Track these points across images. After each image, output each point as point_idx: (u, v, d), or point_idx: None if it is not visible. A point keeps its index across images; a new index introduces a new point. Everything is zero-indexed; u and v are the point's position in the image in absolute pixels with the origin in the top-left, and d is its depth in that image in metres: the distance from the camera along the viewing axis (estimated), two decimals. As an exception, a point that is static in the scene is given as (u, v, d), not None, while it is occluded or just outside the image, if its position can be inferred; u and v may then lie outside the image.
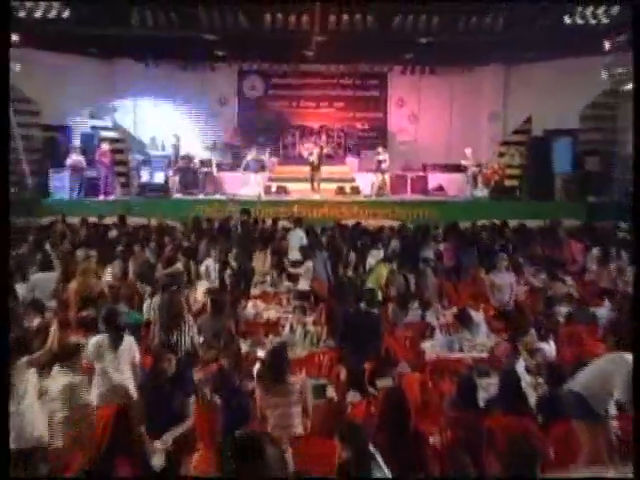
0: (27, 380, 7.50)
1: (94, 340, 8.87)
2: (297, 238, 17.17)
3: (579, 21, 20.93)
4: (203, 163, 26.58)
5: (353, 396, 8.51)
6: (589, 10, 20.57)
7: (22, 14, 20.59)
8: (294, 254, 16.56)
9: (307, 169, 26.22)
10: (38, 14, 20.50)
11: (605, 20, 20.90)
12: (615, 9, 20.49)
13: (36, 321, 10.40)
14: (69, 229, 19.44)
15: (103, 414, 8.10)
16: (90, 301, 11.81)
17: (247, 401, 8.09)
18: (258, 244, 17.03)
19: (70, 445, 7.62)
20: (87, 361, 8.73)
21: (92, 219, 20.78)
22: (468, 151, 26.06)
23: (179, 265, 14.55)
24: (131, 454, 7.04)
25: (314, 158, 25.82)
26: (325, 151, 27.16)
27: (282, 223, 20.23)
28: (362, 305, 11.25)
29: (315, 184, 25.89)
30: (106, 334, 8.86)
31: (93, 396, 8.40)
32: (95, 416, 8.05)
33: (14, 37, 22.47)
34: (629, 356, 7.59)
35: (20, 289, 12.95)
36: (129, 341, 8.90)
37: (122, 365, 8.61)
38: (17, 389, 7.40)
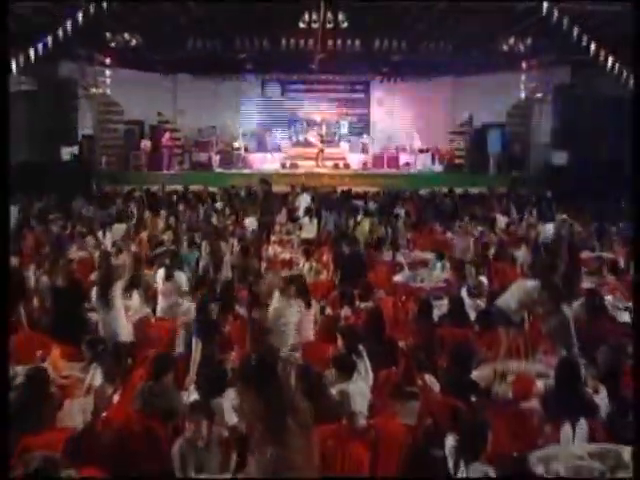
0: (116, 299, 7.63)
1: (158, 272, 9.02)
2: (303, 200, 17.18)
3: (505, 48, 21.09)
4: (236, 146, 26.52)
5: (345, 311, 8.53)
6: (512, 40, 20.68)
7: (113, 44, 20.87)
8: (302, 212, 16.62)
9: (312, 151, 26.40)
10: (122, 43, 20.81)
11: (522, 48, 21.12)
12: (529, 40, 20.67)
13: (119, 258, 10.49)
14: (143, 194, 19.46)
15: (166, 325, 8.25)
16: (157, 245, 11.95)
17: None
18: (276, 205, 17.08)
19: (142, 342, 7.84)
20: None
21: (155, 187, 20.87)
22: (416, 135, 26.46)
23: (214, 220, 14.62)
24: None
25: (320, 143, 26.28)
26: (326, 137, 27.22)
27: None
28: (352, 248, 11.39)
29: (319, 161, 25.94)
30: (164, 268, 8.98)
31: (158, 311, 8.62)
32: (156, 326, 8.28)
33: (107, 60, 22.69)
34: (528, 281, 8.05)
35: (108, 237, 13.10)
36: (179, 274, 9.00)
37: (174, 292, 8.73)
38: (112, 304, 7.54)
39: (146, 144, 25.29)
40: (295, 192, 18.96)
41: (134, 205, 16.99)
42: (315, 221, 15.08)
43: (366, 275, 10.50)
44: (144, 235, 12.79)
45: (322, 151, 26.11)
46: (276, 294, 7.84)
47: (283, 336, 7.42)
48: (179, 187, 20.82)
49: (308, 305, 7.83)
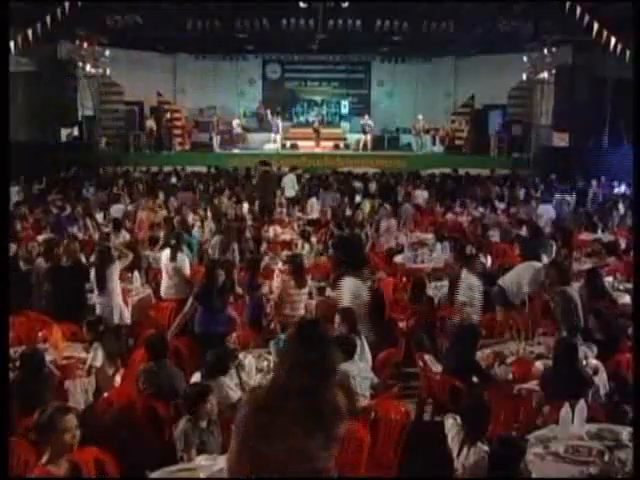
0: (114, 280, 7.67)
1: (159, 254, 9.02)
2: (289, 180, 17.15)
3: (506, 29, 21.13)
4: (237, 127, 26.42)
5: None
6: (513, 22, 20.77)
7: (109, 22, 20.86)
8: (289, 192, 16.55)
9: (312, 131, 26.20)
10: (121, 23, 20.85)
11: (524, 29, 21.20)
12: (531, 24, 20.80)
13: (118, 237, 10.48)
14: (140, 175, 19.46)
15: (167, 305, 8.28)
16: (156, 226, 11.95)
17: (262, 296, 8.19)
18: (276, 185, 17.04)
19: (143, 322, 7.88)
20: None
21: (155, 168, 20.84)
22: (420, 117, 25.89)
23: (224, 200, 14.58)
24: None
25: (317, 124, 26.09)
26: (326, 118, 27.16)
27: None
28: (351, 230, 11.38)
29: (318, 142, 25.85)
30: (168, 250, 8.97)
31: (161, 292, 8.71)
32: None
33: (105, 40, 22.55)
34: (536, 263, 8.06)
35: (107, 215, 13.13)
36: (182, 256, 8.98)
37: (178, 272, 8.73)
38: (107, 286, 7.57)
39: (152, 124, 25.19)
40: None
41: (131, 186, 16.99)
42: (321, 202, 15.04)
43: (365, 257, 10.44)
44: (144, 215, 12.75)
45: (319, 132, 25.96)
46: (276, 275, 7.87)
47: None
48: (179, 168, 20.78)
49: (303, 285, 7.80)
